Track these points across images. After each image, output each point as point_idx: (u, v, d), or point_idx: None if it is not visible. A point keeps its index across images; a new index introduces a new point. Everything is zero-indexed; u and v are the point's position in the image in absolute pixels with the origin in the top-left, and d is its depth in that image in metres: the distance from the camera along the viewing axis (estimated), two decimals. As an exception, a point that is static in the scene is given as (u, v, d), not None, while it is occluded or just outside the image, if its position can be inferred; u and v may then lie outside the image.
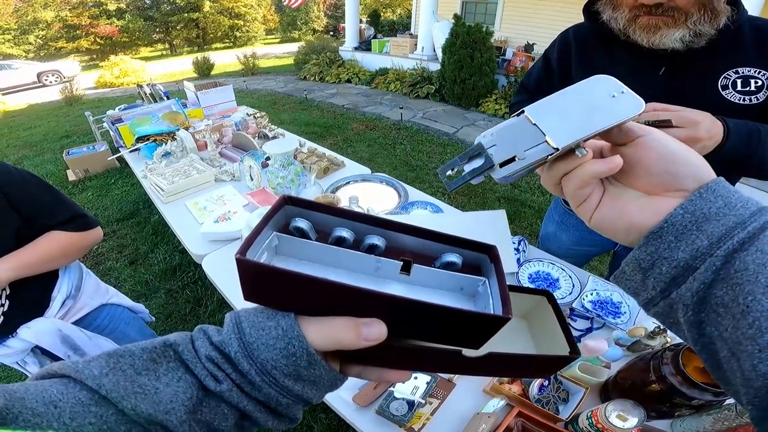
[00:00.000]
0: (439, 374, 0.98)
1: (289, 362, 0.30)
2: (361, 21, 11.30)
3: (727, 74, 0.92)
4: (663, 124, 0.78)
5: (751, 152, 0.85)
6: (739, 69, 0.92)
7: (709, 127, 0.78)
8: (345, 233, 0.36)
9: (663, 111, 0.79)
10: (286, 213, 0.36)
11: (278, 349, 0.30)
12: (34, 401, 0.27)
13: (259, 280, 0.30)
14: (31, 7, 19.42)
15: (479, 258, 0.39)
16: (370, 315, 0.31)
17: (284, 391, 0.31)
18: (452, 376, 0.98)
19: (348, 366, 0.37)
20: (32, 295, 1.04)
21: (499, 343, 0.36)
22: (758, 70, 0.91)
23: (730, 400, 0.76)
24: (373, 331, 0.30)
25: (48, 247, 1.03)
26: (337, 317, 0.31)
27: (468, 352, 0.34)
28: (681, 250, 0.30)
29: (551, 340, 0.39)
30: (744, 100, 0.91)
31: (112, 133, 2.58)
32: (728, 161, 0.84)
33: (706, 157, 0.84)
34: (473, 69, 6.29)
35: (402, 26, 13.63)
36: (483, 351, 0.34)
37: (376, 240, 0.36)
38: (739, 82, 0.91)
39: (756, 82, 0.91)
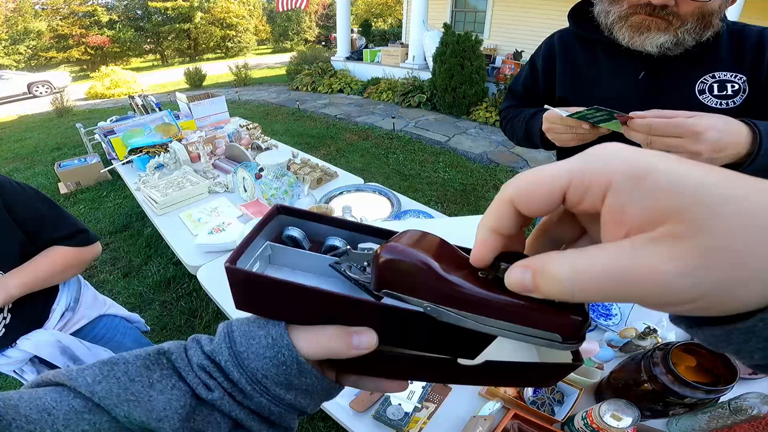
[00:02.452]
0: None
1: (279, 371, 0.30)
2: (352, 31, 11.40)
3: (704, 79, 0.93)
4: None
5: None
6: (715, 73, 0.93)
7: (717, 138, 0.70)
8: (338, 242, 0.36)
9: (667, 118, 0.73)
10: (279, 222, 0.36)
11: (268, 358, 0.30)
12: (27, 408, 0.27)
13: (248, 288, 0.30)
14: (22, 17, 19.34)
15: None
16: (361, 324, 0.31)
17: (276, 400, 0.32)
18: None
19: (344, 376, 0.37)
20: (33, 308, 1.05)
21: (500, 351, 0.35)
22: (735, 74, 0.91)
23: (724, 398, 0.77)
24: (363, 339, 0.30)
25: (52, 263, 1.04)
26: (328, 326, 0.31)
27: (463, 361, 0.33)
28: None
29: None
30: (721, 104, 0.93)
31: (104, 145, 2.58)
32: (761, 174, 0.80)
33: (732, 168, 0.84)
34: (464, 77, 6.36)
35: (393, 36, 13.75)
36: (479, 359, 0.33)
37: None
38: (715, 86, 0.93)
39: (733, 86, 0.92)
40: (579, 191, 0.19)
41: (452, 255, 0.28)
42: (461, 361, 0.33)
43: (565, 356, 0.34)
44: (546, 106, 0.92)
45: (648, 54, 0.93)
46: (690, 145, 0.71)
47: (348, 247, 0.32)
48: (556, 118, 0.94)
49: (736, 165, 0.75)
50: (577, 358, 0.33)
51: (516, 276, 0.21)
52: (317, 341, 0.31)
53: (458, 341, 0.31)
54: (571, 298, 0.19)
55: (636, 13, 0.91)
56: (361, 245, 0.36)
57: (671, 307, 0.18)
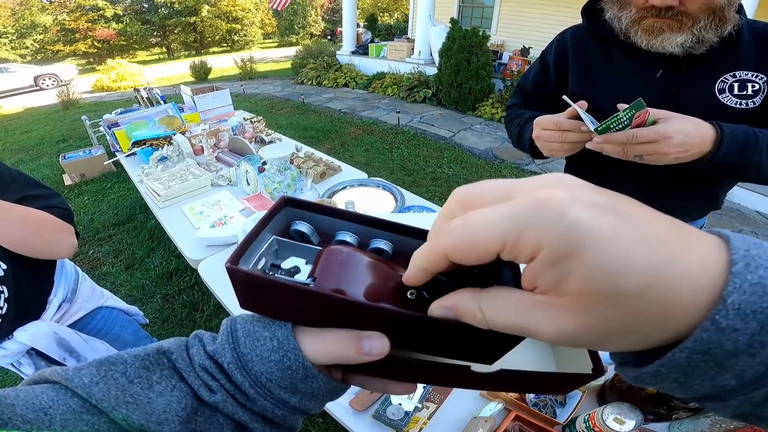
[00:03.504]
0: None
1: (284, 375, 0.29)
2: (358, 25, 11.34)
3: (724, 78, 0.91)
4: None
5: (746, 161, 0.83)
6: (736, 72, 0.90)
7: (683, 141, 0.78)
8: (348, 237, 0.34)
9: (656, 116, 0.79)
10: (287, 215, 0.34)
11: (273, 362, 0.29)
12: (24, 408, 0.26)
13: (252, 289, 0.29)
14: (29, 11, 19.44)
15: (498, 263, 0.35)
16: (373, 327, 0.29)
17: (280, 403, 0.31)
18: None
19: (351, 375, 0.35)
20: (30, 299, 1.04)
21: (516, 355, 0.33)
22: (756, 74, 0.89)
23: (728, 402, 0.76)
24: (375, 346, 0.28)
25: (26, 211, 0.96)
26: (336, 329, 0.29)
27: (478, 368, 0.31)
28: (696, 384, 0.20)
29: (572, 353, 0.35)
30: (740, 104, 0.90)
31: (108, 137, 2.58)
32: (721, 169, 0.84)
33: (694, 165, 0.83)
34: (470, 73, 6.32)
35: (399, 30, 13.69)
36: (495, 367, 0.31)
37: (383, 244, 0.34)
38: (736, 86, 0.90)
39: (753, 86, 0.89)
40: (511, 254, 0.20)
41: (379, 277, 0.29)
42: (475, 368, 0.31)
43: (585, 366, 0.32)
44: (564, 97, 0.89)
45: (666, 54, 0.90)
46: (660, 148, 0.79)
47: (274, 267, 0.31)
48: (548, 122, 0.92)
49: (700, 160, 0.84)
50: (598, 369, 0.31)
51: (439, 314, 0.25)
52: (324, 346, 0.29)
53: (475, 347, 0.29)
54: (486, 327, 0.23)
55: (645, 17, 0.89)
56: (284, 264, 0.33)
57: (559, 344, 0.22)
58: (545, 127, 0.93)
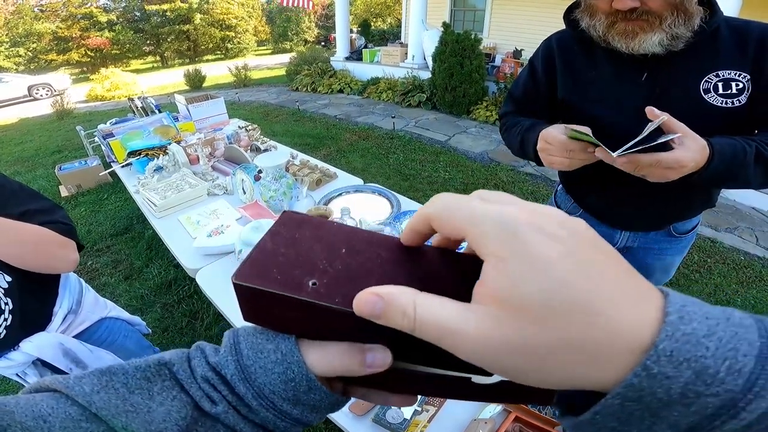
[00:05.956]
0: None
1: (287, 387, 0.29)
2: (351, 31, 11.39)
3: (708, 78, 0.92)
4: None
5: (733, 176, 0.87)
6: (719, 72, 0.91)
7: (691, 169, 0.80)
8: None
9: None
10: None
11: (276, 374, 0.29)
12: (23, 415, 0.27)
13: (258, 303, 0.29)
14: (22, 20, 19.42)
15: None
16: (376, 340, 0.29)
17: (282, 415, 0.31)
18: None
19: (352, 388, 0.35)
20: (34, 310, 1.04)
21: None
22: (738, 73, 0.90)
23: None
24: (378, 357, 0.29)
25: (25, 229, 0.96)
26: (340, 342, 0.30)
27: (478, 379, 0.31)
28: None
29: None
30: (726, 103, 0.91)
31: (103, 147, 2.58)
32: (706, 183, 0.87)
33: (681, 179, 0.84)
34: (463, 76, 6.35)
35: (392, 35, 13.76)
36: (496, 378, 0.31)
37: None
38: (720, 85, 0.91)
39: (737, 85, 0.90)
40: (470, 239, 0.24)
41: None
42: (476, 379, 0.31)
43: None
44: (571, 127, 0.89)
45: (648, 55, 0.92)
46: (670, 174, 0.81)
47: None
48: (554, 140, 0.92)
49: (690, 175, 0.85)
50: None
51: (364, 301, 0.25)
52: (329, 359, 0.30)
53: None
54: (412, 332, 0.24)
55: (615, 21, 0.91)
56: None
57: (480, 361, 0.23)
58: (550, 143, 0.93)
